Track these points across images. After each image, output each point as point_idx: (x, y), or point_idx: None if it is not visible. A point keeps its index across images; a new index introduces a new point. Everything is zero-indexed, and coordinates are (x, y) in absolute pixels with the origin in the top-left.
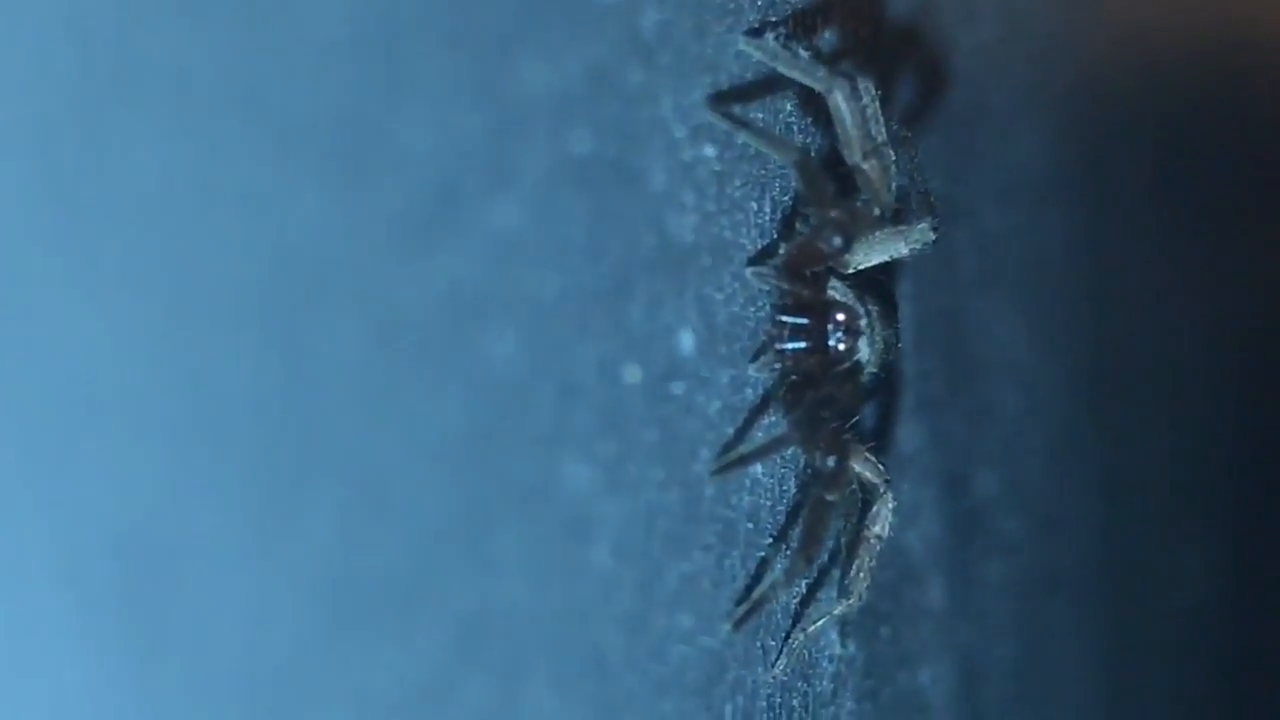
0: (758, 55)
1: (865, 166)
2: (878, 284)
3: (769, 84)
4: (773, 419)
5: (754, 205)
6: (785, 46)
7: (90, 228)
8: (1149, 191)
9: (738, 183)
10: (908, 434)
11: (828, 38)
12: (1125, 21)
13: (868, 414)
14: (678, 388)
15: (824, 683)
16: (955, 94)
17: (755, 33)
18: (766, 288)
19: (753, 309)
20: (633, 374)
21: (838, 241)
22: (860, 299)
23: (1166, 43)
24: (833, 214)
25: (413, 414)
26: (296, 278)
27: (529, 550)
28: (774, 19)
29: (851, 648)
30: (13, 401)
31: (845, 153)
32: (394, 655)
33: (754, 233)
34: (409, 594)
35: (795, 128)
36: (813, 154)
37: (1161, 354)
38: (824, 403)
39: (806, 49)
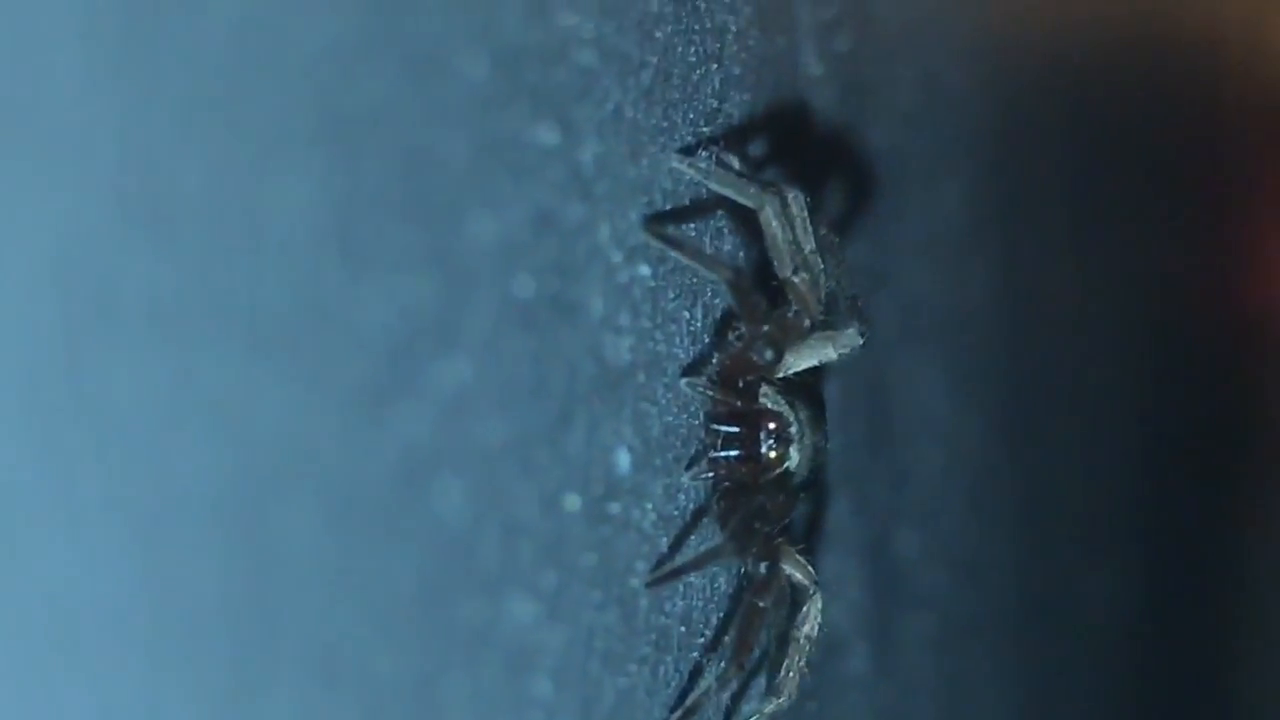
0: (690, 173)
1: (795, 280)
2: (807, 387)
3: (702, 202)
4: (707, 524)
5: (687, 314)
6: (718, 161)
7: (67, 448)
8: (1064, 243)
9: (671, 295)
10: (832, 507)
11: (758, 141)
12: (1038, 75)
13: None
14: (615, 507)
15: None
16: (876, 159)
17: (688, 150)
18: (700, 398)
19: (685, 416)
20: (572, 503)
21: (769, 355)
22: (791, 403)
23: (1081, 92)
24: (764, 329)
25: (365, 583)
26: (259, 471)
27: (474, 693)
28: (706, 131)
29: None
30: None
31: (776, 266)
32: None
33: (687, 341)
34: None
35: (727, 230)
36: (743, 270)
37: (1075, 398)
38: (757, 514)
39: (738, 157)
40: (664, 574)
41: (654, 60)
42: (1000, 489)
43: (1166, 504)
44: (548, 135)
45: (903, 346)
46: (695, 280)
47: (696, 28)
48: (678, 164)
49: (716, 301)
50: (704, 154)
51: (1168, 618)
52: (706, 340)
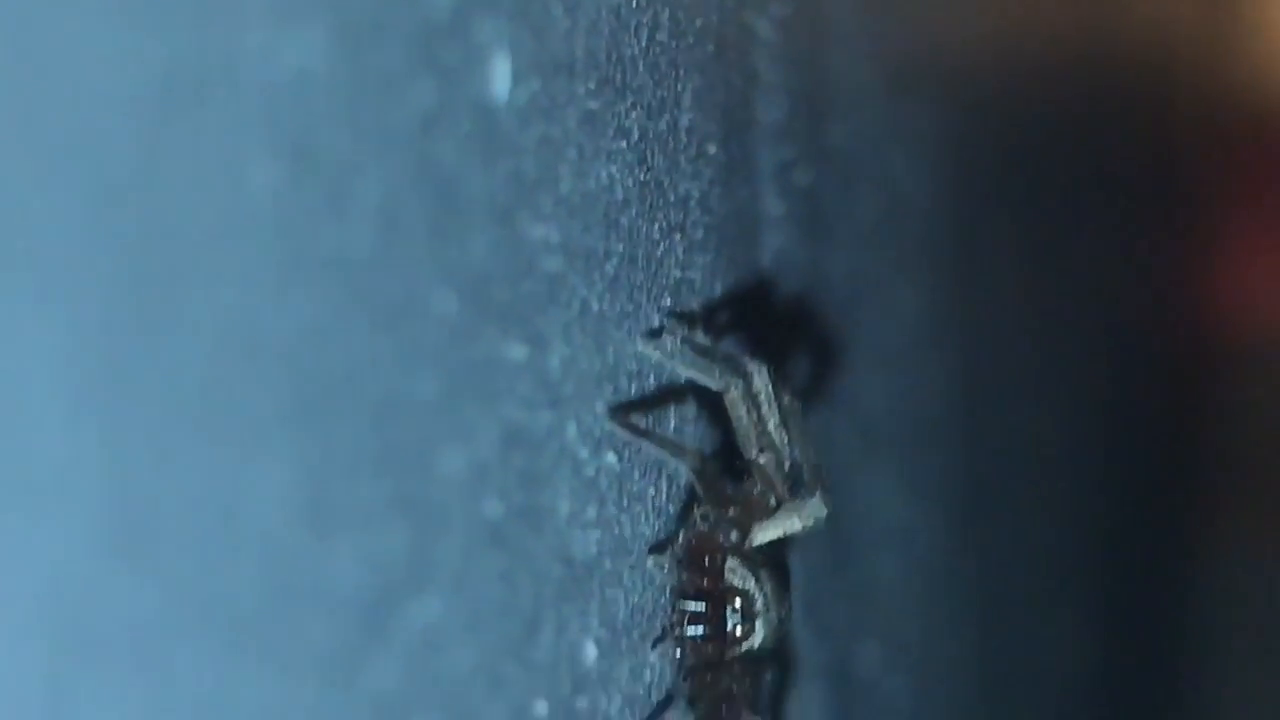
0: (656, 356)
1: (761, 461)
2: (772, 558)
3: (667, 385)
4: (675, 707)
5: (653, 490)
6: (684, 342)
7: None
8: (1020, 338)
9: (636, 476)
10: (794, 634)
11: (722, 307)
12: (995, 178)
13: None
14: (582, 701)
15: None
16: (836, 268)
17: (653, 333)
18: (666, 576)
19: (651, 592)
20: (540, 709)
21: (735, 536)
22: (756, 576)
23: (1037, 187)
24: (730, 513)
25: None
26: None
27: None
28: (670, 302)
29: None
30: None
31: (741, 447)
32: None
33: (653, 516)
34: None
35: (692, 396)
36: (707, 456)
37: (1032, 483)
38: (724, 696)
39: (703, 326)
40: None
41: (620, 249)
42: (959, 585)
43: (1129, 589)
44: (516, 351)
45: (860, 461)
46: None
47: (661, 203)
48: (643, 348)
49: (681, 471)
50: (669, 337)
51: (1133, 704)
52: (672, 511)
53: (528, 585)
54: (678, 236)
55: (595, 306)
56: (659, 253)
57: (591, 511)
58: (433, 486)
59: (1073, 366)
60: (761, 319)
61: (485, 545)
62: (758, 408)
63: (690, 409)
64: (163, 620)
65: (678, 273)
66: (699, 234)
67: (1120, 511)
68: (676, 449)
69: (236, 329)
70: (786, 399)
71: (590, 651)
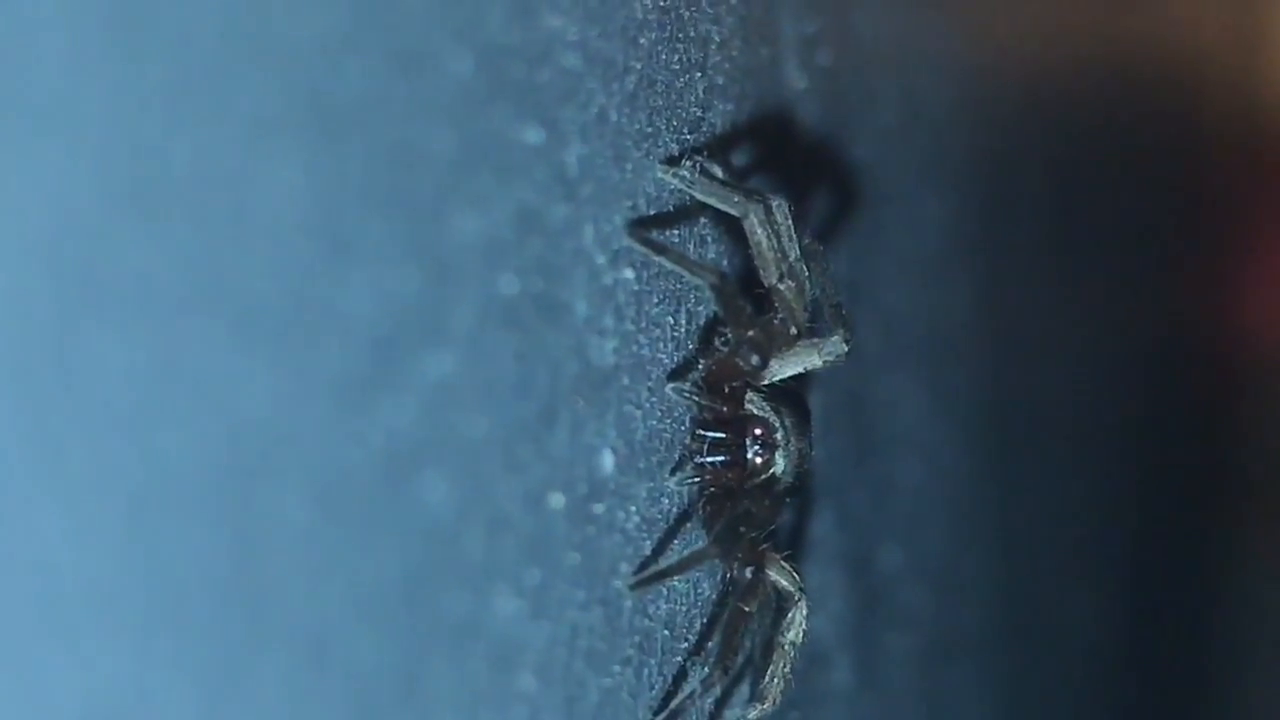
0: (675, 183)
1: (781, 287)
2: (791, 394)
3: (686, 209)
4: (691, 528)
5: (670, 320)
6: (701, 171)
7: (57, 428)
8: (1046, 261)
9: (655, 300)
10: (816, 520)
11: (742, 151)
12: (1018, 93)
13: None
14: (599, 507)
15: None
16: (857, 177)
17: (672, 160)
18: (686, 403)
19: (670, 421)
20: (556, 501)
21: (755, 360)
22: (776, 410)
23: (1061, 108)
24: (750, 334)
25: (351, 570)
26: (246, 455)
27: (459, 686)
28: (690, 139)
29: None
30: None
31: (761, 274)
32: None
33: (670, 346)
34: None
35: (711, 238)
36: (728, 275)
37: (1057, 412)
38: (742, 518)
39: (722, 167)
40: (648, 576)
41: (638, 66)
42: (982, 504)
43: (1148, 518)
44: (532, 135)
45: (884, 361)
46: (679, 286)
47: (680, 36)
48: (662, 173)
49: (700, 309)
50: (688, 163)
51: (1149, 633)
52: (690, 347)
53: (543, 373)
54: (698, 74)
55: (613, 117)
56: (679, 85)
57: (609, 320)
58: (445, 242)
59: (1101, 295)
60: (781, 166)
61: (499, 319)
62: (778, 237)
63: (709, 246)
64: (169, 291)
65: (697, 111)
66: (719, 80)
67: (1151, 449)
68: (695, 266)
69: (249, 20)
70: (807, 239)
71: (607, 460)
